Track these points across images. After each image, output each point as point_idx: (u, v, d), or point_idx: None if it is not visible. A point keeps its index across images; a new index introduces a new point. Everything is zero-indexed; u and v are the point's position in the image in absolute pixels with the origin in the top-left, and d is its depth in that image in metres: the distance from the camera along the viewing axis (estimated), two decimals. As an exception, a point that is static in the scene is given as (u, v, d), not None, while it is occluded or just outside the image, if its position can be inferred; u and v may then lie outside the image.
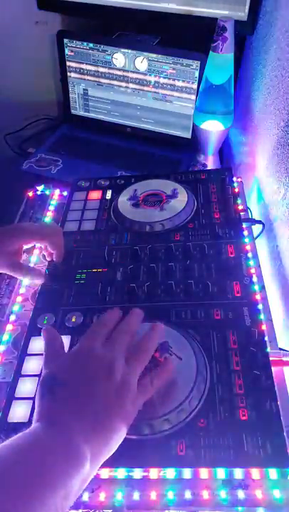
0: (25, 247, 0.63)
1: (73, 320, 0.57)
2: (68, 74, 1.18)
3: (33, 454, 0.35)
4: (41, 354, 0.53)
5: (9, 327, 0.60)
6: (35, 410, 0.40)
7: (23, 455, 0.35)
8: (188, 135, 1.13)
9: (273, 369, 0.49)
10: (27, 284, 0.66)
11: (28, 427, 0.38)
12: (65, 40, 1.13)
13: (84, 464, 0.36)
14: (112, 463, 0.40)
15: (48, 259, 0.65)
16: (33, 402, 0.49)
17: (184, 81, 1.06)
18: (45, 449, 0.36)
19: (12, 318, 0.62)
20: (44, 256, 0.66)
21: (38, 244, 0.64)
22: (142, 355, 0.44)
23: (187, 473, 0.43)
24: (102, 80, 1.15)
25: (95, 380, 0.40)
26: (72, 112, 1.25)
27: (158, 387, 0.44)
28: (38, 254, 0.68)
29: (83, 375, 0.41)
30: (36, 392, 0.41)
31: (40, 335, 0.55)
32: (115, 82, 1.14)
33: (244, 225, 0.67)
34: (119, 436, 0.40)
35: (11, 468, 0.34)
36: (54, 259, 0.64)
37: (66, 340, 0.55)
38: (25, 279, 0.63)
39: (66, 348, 0.54)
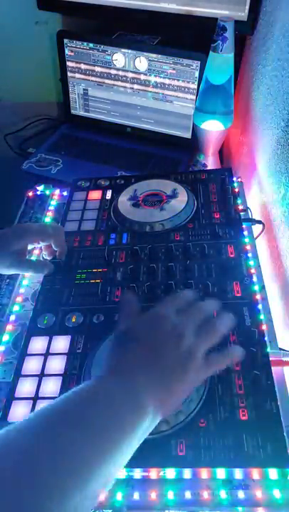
0: (29, 246, 0.64)
1: (73, 320, 0.57)
2: (68, 74, 1.18)
3: (104, 399, 0.37)
4: (41, 354, 0.54)
5: (9, 327, 0.60)
6: (104, 360, 0.43)
7: (94, 400, 0.37)
8: (188, 135, 1.13)
9: (273, 369, 0.49)
10: (28, 285, 0.66)
11: None
12: (65, 40, 1.13)
13: (147, 415, 0.37)
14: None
15: (49, 258, 0.66)
16: (34, 402, 0.49)
17: (184, 81, 1.06)
18: (115, 396, 0.38)
19: (12, 318, 0.62)
20: (44, 257, 0.66)
21: (41, 243, 0.65)
22: (212, 334, 0.44)
23: (187, 473, 0.43)
24: (102, 80, 1.15)
25: (165, 343, 0.42)
26: (72, 112, 1.25)
27: (222, 367, 0.45)
28: (37, 254, 0.68)
29: (155, 335, 0.43)
30: (108, 347, 0.44)
31: (40, 335, 0.56)
32: (115, 82, 1.14)
33: (244, 225, 0.67)
34: (177, 400, 0.41)
35: (85, 412, 0.36)
36: (57, 257, 0.65)
37: (66, 340, 0.55)
38: (34, 273, 0.64)
39: (66, 349, 0.54)
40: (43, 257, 0.67)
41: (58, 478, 0.31)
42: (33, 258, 0.67)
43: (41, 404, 0.48)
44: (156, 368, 0.40)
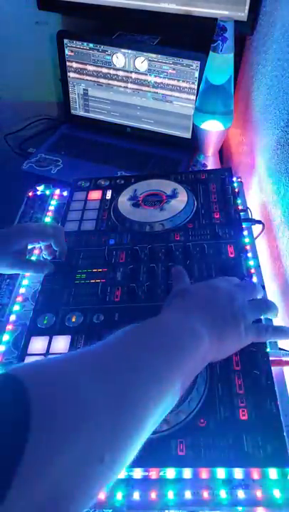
0: (29, 246, 0.64)
1: (73, 320, 0.57)
2: (68, 74, 1.18)
3: (163, 329, 0.40)
4: (41, 354, 0.54)
5: (9, 327, 0.60)
6: (164, 307, 0.47)
7: (154, 331, 0.39)
8: (188, 135, 1.13)
9: (273, 369, 0.49)
10: (28, 285, 0.66)
11: None
12: (65, 41, 1.13)
13: (203, 343, 0.39)
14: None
15: (49, 258, 0.66)
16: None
17: (183, 81, 1.06)
18: (174, 326, 0.40)
19: (12, 318, 0.62)
20: (44, 257, 0.66)
21: (41, 243, 0.65)
22: (263, 306, 0.49)
23: (187, 473, 0.43)
24: (102, 80, 1.15)
25: (219, 299, 0.46)
26: (72, 112, 1.25)
27: (269, 338, 0.48)
28: (37, 254, 0.68)
29: (211, 292, 0.47)
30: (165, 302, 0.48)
31: (40, 335, 0.56)
32: (115, 82, 1.14)
33: (244, 225, 0.67)
34: (224, 351, 0.44)
35: (151, 335, 0.38)
36: (57, 257, 0.65)
37: (66, 340, 0.55)
38: (34, 273, 0.64)
39: (66, 349, 0.54)
40: (43, 257, 0.67)
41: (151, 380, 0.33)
42: (34, 258, 0.67)
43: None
44: (212, 314, 0.43)
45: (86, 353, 0.34)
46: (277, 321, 0.60)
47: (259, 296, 0.51)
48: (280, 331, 0.49)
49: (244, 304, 0.46)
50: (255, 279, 0.59)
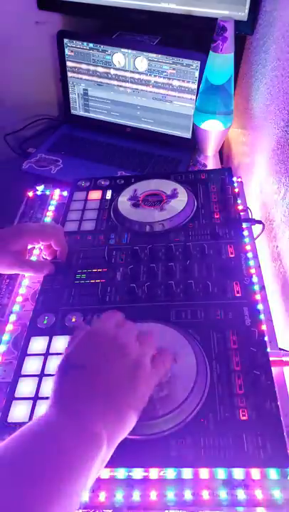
0: (29, 246, 0.64)
1: (73, 320, 0.57)
2: (68, 74, 1.18)
3: (47, 440, 0.35)
4: (41, 354, 0.54)
5: (9, 327, 0.60)
6: (51, 395, 0.40)
7: (38, 443, 0.35)
8: (188, 135, 1.13)
9: (273, 369, 0.49)
10: (28, 285, 0.66)
11: None
12: (65, 40, 1.13)
13: (100, 445, 0.36)
14: (112, 463, 0.40)
15: (49, 258, 0.66)
16: (34, 402, 0.49)
17: (184, 81, 1.06)
18: (59, 435, 0.36)
19: (12, 318, 0.62)
20: (44, 257, 0.66)
21: (41, 243, 0.65)
22: (151, 339, 0.45)
23: (187, 473, 0.43)
24: (102, 80, 1.15)
25: (109, 359, 0.41)
26: (72, 112, 1.25)
27: (169, 367, 0.45)
28: (37, 254, 0.68)
29: (96, 353, 0.41)
30: (53, 380, 0.41)
31: (40, 335, 0.56)
32: (115, 82, 1.14)
33: (244, 225, 0.67)
34: (133, 416, 0.40)
35: (26, 457, 0.34)
36: (58, 257, 0.65)
37: (66, 340, 0.55)
38: (34, 273, 0.64)
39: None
40: (43, 257, 0.67)
41: None
42: (34, 258, 0.67)
43: (41, 405, 0.48)
44: (103, 392, 0.39)
45: None
46: (278, 321, 0.60)
47: (136, 328, 0.46)
48: (167, 356, 0.46)
49: (138, 350, 0.42)
50: (255, 279, 0.59)
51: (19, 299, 0.64)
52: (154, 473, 0.43)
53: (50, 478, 0.33)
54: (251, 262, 0.62)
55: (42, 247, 0.66)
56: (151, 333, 0.46)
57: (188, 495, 0.42)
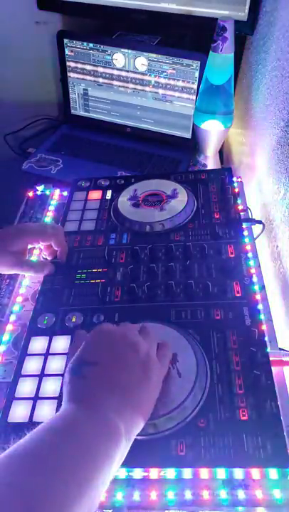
0: (29, 246, 0.64)
1: (73, 320, 0.57)
2: (68, 74, 1.18)
3: (75, 436, 0.36)
4: (41, 354, 0.54)
5: (9, 327, 0.60)
6: (65, 393, 0.41)
7: (66, 438, 0.36)
8: (188, 135, 1.13)
9: (273, 369, 0.49)
10: (28, 285, 0.66)
11: (28, 427, 0.38)
12: (65, 40, 1.13)
13: (120, 439, 0.37)
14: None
15: (50, 258, 0.66)
16: (34, 402, 0.49)
17: (184, 81, 1.06)
18: (86, 430, 0.37)
19: (12, 318, 0.62)
20: (44, 257, 0.66)
21: (41, 243, 0.65)
22: (151, 334, 0.48)
23: (187, 473, 0.43)
24: (102, 80, 1.15)
25: (122, 356, 0.42)
26: (72, 112, 1.25)
27: (170, 357, 0.48)
28: (37, 254, 0.68)
29: (108, 351, 0.43)
30: (64, 379, 0.42)
31: (40, 335, 0.56)
32: (115, 82, 1.14)
33: (244, 225, 0.67)
34: (148, 408, 0.42)
35: (58, 453, 0.34)
36: (58, 257, 0.65)
37: (66, 340, 0.55)
38: (34, 273, 0.64)
39: (66, 349, 0.54)
40: (43, 257, 0.67)
41: None
42: (34, 258, 0.67)
43: (41, 405, 0.48)
44: (121, 386, 0.40)
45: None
46: (278, 321, 0.60)
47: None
48: (167, 348, 0.48)
49: (145, 345, 0.44)
50: (255, 279, 0.59)
51: (19, 299, 0.64)
52: (154, 473, 0.43)
53: (79, 469, 0.34)
54: (251, 262, 0.62)
55: (42, 247, 0.66)
56: (148, 328, 0.49)
57: (188, 495, 0.42)
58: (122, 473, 0.44)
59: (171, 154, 1.14)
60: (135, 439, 0.43)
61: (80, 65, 1.15)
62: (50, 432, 0.36)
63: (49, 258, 0.66)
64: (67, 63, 1.16)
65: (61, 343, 0.55)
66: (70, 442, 0.35)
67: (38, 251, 0.68)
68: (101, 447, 0.36)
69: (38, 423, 0.37)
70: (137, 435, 0.44)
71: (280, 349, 0.54)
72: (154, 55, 1.05)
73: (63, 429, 0.37)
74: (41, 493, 0.31)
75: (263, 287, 0.60)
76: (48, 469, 0.32)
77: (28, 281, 0.66)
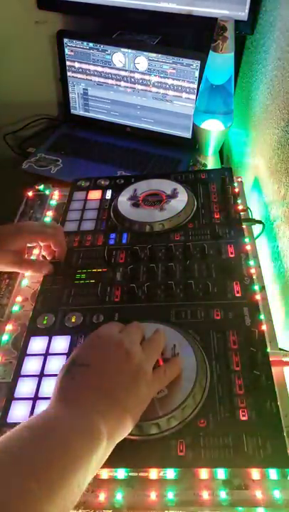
0: (28, 244, 0.64)
1: (73, 320, 0.57)
2: (68, 74, 1.18)
3: (50, 431, 0.36)
4: (41, 354, 0.54)
5: (9, 327, 0.60)
6: (54, 392, 0.41)
7: (44, 435, 0.36)
8: (188, 135, 1.13)
9: (273, 369, 0.49)
10: (27, 285, 0.66)
11: None
12: (65, 40, 1.13)
13: (101, 441, 0.37)
14: (112, 463, 0.40)
15: (49, 258, 0.66)
16: (34, 402, 0.49)
17: (183, 81, 1.06)
18: (65, 428, 0.37)
19: (12, 318, 0.62)
20: (44, 257, 0.66)
21: (40, 243, 0.65)
22: (156, 346, 0.47)
23: (187, 473, 0.43)
24: (102, 80, 1.15)
25: (113, 361, 0.42)
26: (72, 111, 1.24)
27: (171, 378, 0.46)
28: (37, 255, 0.68)
29: (102, 355, 0.43)
30: (57, 378, 0.42)
31: (39, 335, 0.56)
32: (115, 82, 1.14)
33: (244, 225, 0.67)
34: (134, 417, 0.41)
35: (33, 448, 0.34)
36: (56, 257, 0.65)
37: (66, 340, 0.55)
38: (33, 272, 0.64)
39: (66, 349, 0.54)
40: (42, 257, 0.67)
41: None
42: (33, 257, 0.67)
43: (41, 405, 0.48)
44: (107, 389, 0.40)
45: None
46: (278, 321, 0.60)
47: (141, 333, 0.48)
48: (173, 365, 0.47)
49: (140, 356, 0.43)
50: (255, 279, 0.59)
51: (19, 299, 0.64)
52: (154, 473, 0.43)
53: (52, 467, 0.33)
54: (251, 262, 0.62)
55: (42, 246, 0.66)
56: (157, 340, 0.48)
57: (188, 495, 0.42)
58: (122, 473, 0.44)
59: (171, 154, 1.14)
60: (135, 440, 0.43)
61: (79, 65, 1.15)
62: (29, 429, 0.36)
63: (48, 258, 0.66)
64: (67, 63, 1.16)
65: (61, 343, 0.55)
66: (46, 439, 0.35)
67: (38, 250, 0.68)
68: (78, 447, 0.35)
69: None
70: (137, 436, 0.44)
71: (280, 349, 0.54)
72: (154, 55, 1.05)
73: (42, 426, 0.36)
74: (12, 489, 0.31)
75: (263, 287, 0.60)
76: (20, 465, 0.32)
77: (28, 281, 0.66)
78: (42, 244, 0.65)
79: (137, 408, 0.41)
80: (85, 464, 0.35)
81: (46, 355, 0.54)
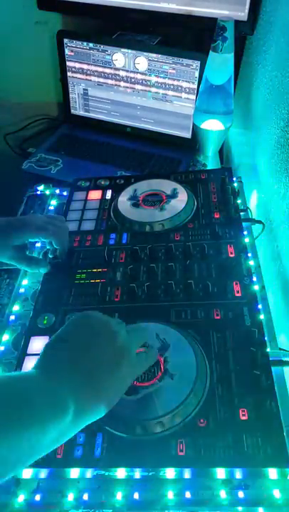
0: (30, 239, 0.64)
1: (73, 320, 0.57)
2: (68, 74, 1.18)
3: (19, 389, 0.36)
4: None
5: (9, 327, 0.60)
6: (39, 357, 0.41)
7: (11, 388, 0.36)
8: (188, 135, 1.13)
9: (273, 369, 0.49)
10: (28, 285, 0.66)
11: None
12: (65, 40, 1.13)
13: (65, 414, 0.36)
14: (112, 463, 0.40)
15: (50, 256, 0.66)
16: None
17: (183, 81, 1.06)
18: (31, 388, 0.37)
19: (12, 318, 0.62)
20: (45, 254, 0.66)
21: (42, 240, 0.65)
22: (141, 332, 0.48)
23: (187, 473, 0.43)
24: (102, 80, 1.15)
25: (98, 341, 0.42)
26: (72, 111, 1.25)
27: (151, 364, 0.47)
28: (39, 252, 0.68)
29: (87, 333, 0.43)
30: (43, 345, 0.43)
31: (39, 335, 0.56)
32: (115, 82, 1.14)
33: (244, 225, 0.67)
34: (108, 401, 0.40)
35: (13, 402, 0.34)
36: (57, 256, 0.65)
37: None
38: (30, 269, 0.64)
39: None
40: (43, 255, 0.67)
41: None
42: (34, 254, 0.67)
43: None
44: (85, 365, 0.40)
45: None
46: (278, 322, 0.60)
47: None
48: (153, 354, 0.48)
49: (126, 337, 0.44)
50: (255, 279, 0.59)
51: (19, 299, 0.64)
52: (153, 473, 0.43)
53: (9, 422, 0.33)
54: (251, 262, 0.62)
55: (46, 242, 0.66)
56: (141, 329, 0.49)
57: (188, 495, 0.42)
58: (122, 473, 0.44)
59: (171, 154, 1.14)
60: (135, 440, 0.43)
61: (79, 65, 1.15)
62: (8, 377, 0.37)
63: (50, 255, 0.66)
64: (67, 63, 1.16)
65: (61, 343, 0.54)
66: (14, 388, 0.36)
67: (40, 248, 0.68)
68: (38, 409, 0.35)
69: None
70: (137, 436, 0.44)
71: (280, 349, 0.54)
72: (154, 55, 1.05)
73: (12, 385, 0.37)
74: None
75: (263, 287, 0.60)
76: None
77: (28, 281, 0.66)
78: (43, 240, 0.65)
79: (113, 391, 0.41)
80: (42, 426, 0.34)
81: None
